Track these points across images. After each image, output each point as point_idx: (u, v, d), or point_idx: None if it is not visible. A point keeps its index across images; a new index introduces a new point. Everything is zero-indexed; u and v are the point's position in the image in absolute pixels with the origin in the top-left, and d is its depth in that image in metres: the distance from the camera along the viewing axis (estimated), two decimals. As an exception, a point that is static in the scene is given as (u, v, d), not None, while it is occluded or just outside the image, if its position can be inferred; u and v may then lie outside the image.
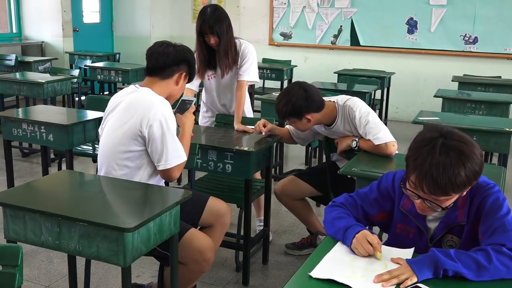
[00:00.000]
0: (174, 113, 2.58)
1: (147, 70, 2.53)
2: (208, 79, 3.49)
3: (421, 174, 1.57)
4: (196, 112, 3.67)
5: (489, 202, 1.66)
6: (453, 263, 1.53)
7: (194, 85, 3.47)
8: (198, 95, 4.81)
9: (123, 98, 2.47)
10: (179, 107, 2.62)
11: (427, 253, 1.60)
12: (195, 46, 3.38)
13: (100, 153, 2.49)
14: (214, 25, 3.23)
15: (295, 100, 2.82)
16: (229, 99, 3.53)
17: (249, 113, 3.58)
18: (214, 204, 2.66)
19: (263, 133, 3.09)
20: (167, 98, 2.46)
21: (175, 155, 2.38)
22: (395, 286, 1.51)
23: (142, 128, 2.33)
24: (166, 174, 2.43)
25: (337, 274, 1.55)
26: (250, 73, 3.41)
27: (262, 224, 3.50)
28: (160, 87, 2.47)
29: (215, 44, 3.29)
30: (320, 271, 1.58)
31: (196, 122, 3.76)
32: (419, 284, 1.51)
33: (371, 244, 1.66)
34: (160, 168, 2.38)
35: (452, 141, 1.58)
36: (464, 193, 1.65)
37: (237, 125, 3.31)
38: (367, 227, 1.78)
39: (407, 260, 1.59)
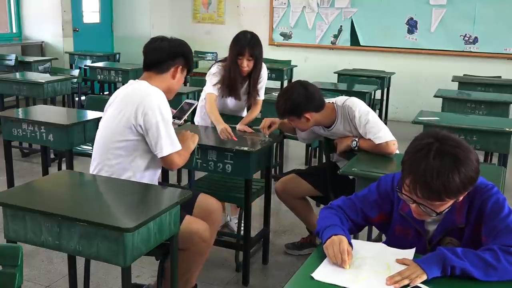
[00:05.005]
0: (175, 117, 2.61)
1: (144, 66, 2.57)
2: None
3: (415, 178, 1.57)
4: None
5: (490, 204, 1.65)
6: (460, 261, 1.53)
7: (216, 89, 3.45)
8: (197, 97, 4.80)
9: (121, 91, 2.54)
10: (180, 108, 2.63)
11: (433, 252, 1.59)
12: (226, 67, 3.37)
13: (96, 144, 2.52)
14: (254, 48, 3.32)
15: (294, 98, 2.81)
16: (229, 109, 3.58)
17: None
18: (204, 200, 2.66)
19: (266, 135, 3.10)
20: (166, 92, 2.49)
21: (169, 142, 2.40)
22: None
23: (137, 117, 2.36)
24: (166, 162, 2.45)
25: (339, 278, 1.54)
26: (264, 92, 3.61)
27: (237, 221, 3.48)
28: (157, 81, 2.50)
29: (248, 69, 3.35)
30: (322, 274, 1.57)
31: (192, 122, 3.77)
32: (419, 284, 1.51)
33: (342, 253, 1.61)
34: (158, 155, 2.41)
35: (447, 146, 1.56)
36: (460, 198, 1.63)
37: (240, 126, 3.30)
38: (349, 234, 1.74)
39: (414, 260, 1.59)
